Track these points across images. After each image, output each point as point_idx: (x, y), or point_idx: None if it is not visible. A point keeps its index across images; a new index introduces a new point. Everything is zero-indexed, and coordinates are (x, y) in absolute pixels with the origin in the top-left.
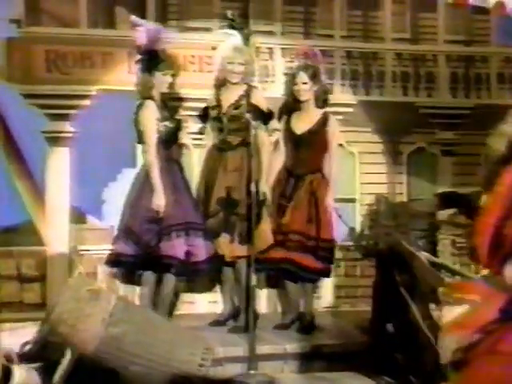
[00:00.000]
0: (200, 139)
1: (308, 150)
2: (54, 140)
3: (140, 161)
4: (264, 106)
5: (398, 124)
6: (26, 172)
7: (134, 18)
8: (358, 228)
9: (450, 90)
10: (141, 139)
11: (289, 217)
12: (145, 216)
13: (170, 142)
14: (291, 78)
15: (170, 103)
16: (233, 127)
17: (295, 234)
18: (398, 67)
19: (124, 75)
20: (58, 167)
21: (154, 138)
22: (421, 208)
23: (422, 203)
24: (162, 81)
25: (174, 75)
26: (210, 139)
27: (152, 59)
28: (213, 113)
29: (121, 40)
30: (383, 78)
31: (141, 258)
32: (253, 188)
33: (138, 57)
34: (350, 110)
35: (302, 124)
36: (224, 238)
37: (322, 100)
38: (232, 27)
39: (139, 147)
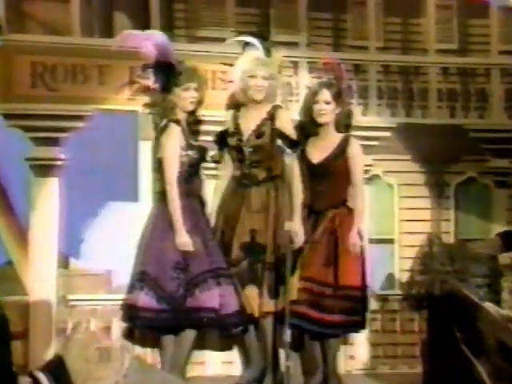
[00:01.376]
0: (214, 168)
1: (327, 180)
2: (41, 169)
3: (145, 194)
4: (291, 130)
5: (444, 150)
6: (7, 206)
7: (126, 33)
8: (396, 274)
9: (505, 109)
10: (158, 168)
11: (303, 261)
12: (168, 261)
13: (192, 174)
14: (311, 96)
15: (194, 127)
16: (256, 158)
17: (308, 280)
18: (444, 84)
19: (124, 93)
20: (45, 201)
21: (177, 169)
22: (481, 250)
23: (482, 244)
24: (184, 98)
25: (197, 89)
26: (227, 169)
27: (167, 73)
28: (231, 141)
29: (121, 51)
30: (426, 96)
31: (165, 312)
32: (287, 228)
33: (151, 72)
34: (388, 134)
35: (319, 151)
36: (250, 291)
37: (343, 124)
38: (252, 35)
39: (143, 178)
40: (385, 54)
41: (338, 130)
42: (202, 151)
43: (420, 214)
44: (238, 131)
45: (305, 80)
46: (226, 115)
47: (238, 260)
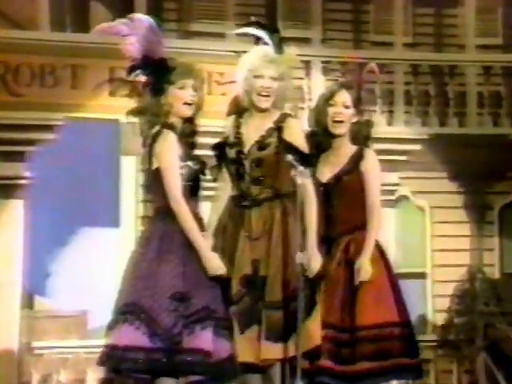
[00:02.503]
0: (211, 188)
1: (339, 201)
2: (1, 189)
3: (127, 218)
4: (302, 143)
5: (487, 166)
6: None
7: (105, 25)
8: (429, 315)
9: None
10: (151, 185)
11: (318, 301)
12: (166, 290)
13: (191, 190)
14: (327, 97)
15: (189, 139)
16: (258, 174)
17: (325, 327)
18: (486, 86)
19: (103, 98)
20: (6, 227)
21: (180, 180)
22: None
23: None
24: (181, 97)
25: (195, 87)
26: (226, 188)
27: (158, 70)
28: (230, 152)
29: (98, 48)
30: (464, 101)
31: (159, 351)
32: (298, 260)
33: (137, 72)
34: (417, 147)
35: (329, 168)
36: (253, 334)
37: (362, 136)
38: (259, 27)
39: (126, 199)
40: (414, 51)
41: (355, 142)
42: (202, 163)
43: (457, 243)
44: (238, 141)
45: (318, 83)
46: (226, 123)
47: (239, 296)
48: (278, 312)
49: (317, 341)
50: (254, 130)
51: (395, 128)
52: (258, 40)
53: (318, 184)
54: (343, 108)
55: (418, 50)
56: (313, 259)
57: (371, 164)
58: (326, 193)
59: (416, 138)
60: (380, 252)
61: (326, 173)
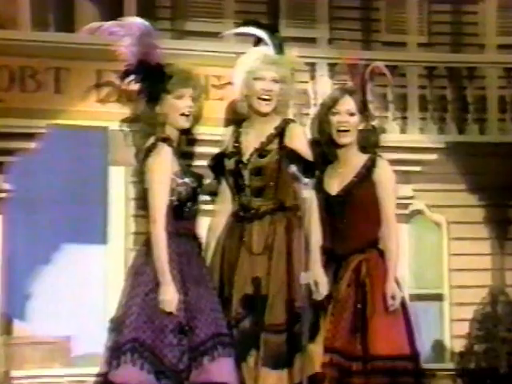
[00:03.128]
0: (210, 202)
1: (349, 216)
2: None
3: (116, 234)
4: (305, 150)
5: (509, 178)
6: None
7: (96, 25)
8: (446, 341)
9: None
10: (144, 201)
11: (326, 325)
12: (167, 323)
13: (188, 208)
14: (330, 105)
15: (186, 149)
16: (258, 184)
17: (333, 352)
18: (508, 90)
19: (90, 104)
20: None
21: (166, 201)
22: None
23: None
24: (177, 108)
25: (194, 98)
26: (225, 203)
27: (154, 77)
28: (229, 163)
29: (85, 49)
30: (484, 106)
31: None
32: (304, 280)
33: (131, 78)
34: (434, 156)
35: (338, 180)
36: (250, 358)
37: (370, 143)
38: (258, 27)
39: (114, 213)
40: (429, 51)
41: (364, 150)
42: (200, 179)
43: (477, 262)
44: (237, 150)
45: (325, 87)
46: (224, 133)
47: (239, 318)
48: (280, 336)
49: (317, 367)
50: (253, 137)
51: (409, 136)
52: (258, 41)
53: (326, 197)
54: (348, 116)
55: (433, 51)
56: (320, 281)
57: (385, 173)
58: (335, 207)
59: (432, 146)
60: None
61: (334, 185)
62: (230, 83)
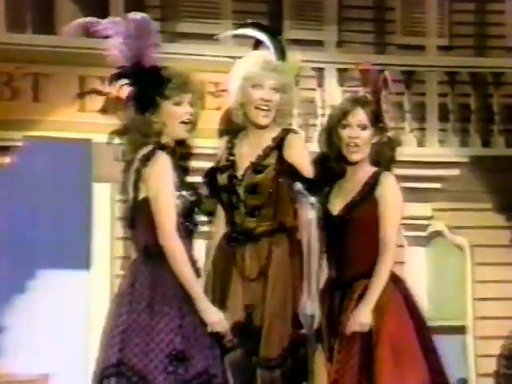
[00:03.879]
0: (207, 223)
1: (352, 238)
2: None
3: (100, 258)
4: (305, 164)
5: None
6: None
7: (81, 22)
8: (472, 380)
9: None
10: (138, 219)
11: (332, 362)
12: (162, 348)
13: (185, 225)
14: (339, 117)
15: (181, 163)
16: (254, 203)
17: None
18: None
19: (72, 113)
20: None
21: (174, 213)
22: None
23: None
24: (177, 115)
25: (193, 103)
26: (221, 223)
27: (149, 82)
28: (222, 178)
29: (66, 53)
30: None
31: None
32: (309, 311)
33: (122, 83)
34: (456, 172)
35: (342, 198)
36: None
37: (385, 159)
38: (258, 28)
39: (98, 235)
40: (450, 55)
41: (377, 165)
42: (199, 194)
43: (504, 290)
44: (230, 164)
45: (334, 95)
46: (218, 145)
47: (230, 348)
48: (274, 372)
49: None
50: (249, 150)
51: (428, 149)
52: (257, 44)
53: (328, 218)
54: (359, 130)
55: (455, 55)
56: (311, 317)
57: (389, 190)
58: (337, 228)
59: (453, 161)
60: (405, 296)
61: (338, 204)
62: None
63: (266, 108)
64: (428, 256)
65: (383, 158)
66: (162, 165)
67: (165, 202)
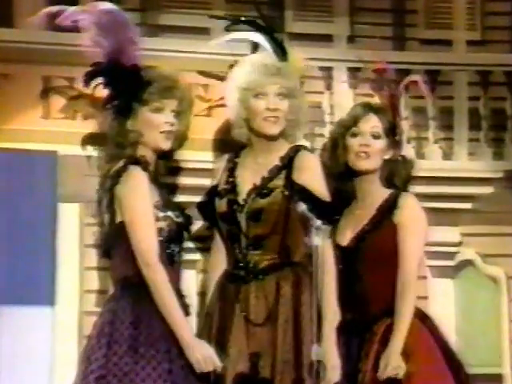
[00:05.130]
0: (198, 250)
1: (367, 271)
2: None
3: (67, 293)
4: (320, 187)
5: None
6: None
7: (51, 10)
8: None
9: None
10: (115, 246)
11: None
12: None
13: (172, 251)
14: (349, 123)
15: (166, 180)
16: (259, 232)
17: None
18: None
19: (34, 120)
20: None
21: (156, 235)
22: None
23: None
24: (155, 124)
25: (178, 112)
26: (217, 257)
27: (127, 83)
28: (221, 204)
29: (28, 49)
30: None
31: None
32: (317, 355)
33: (97, 83)
34: (488, 190)
35: (352, 225)
36: None
37: (400, 178)
38: (252, 27)
39: (65, 265)
40: (483, 52)
41: (391, 185)
42: (187, 215)
43: None
44: (231, 187)
45: (344, 99)
46: (216, 164)
47: None
48: None
49: None
50: (252, 170)
51: (455, 163)
52: (255, 46)
53: (339, 248)
54: (371, 138)
55: (488, 51)
56: (330, 365)
57: (409, 213)
58: (349, 261)
59: (486, 176)
60: (435, 336)
61: (348, 232)
62: (220, 95)
63: (274, 118)
64: (456, 289)
65: (398, 177)
66: (135, 182)
67: (142, 225)
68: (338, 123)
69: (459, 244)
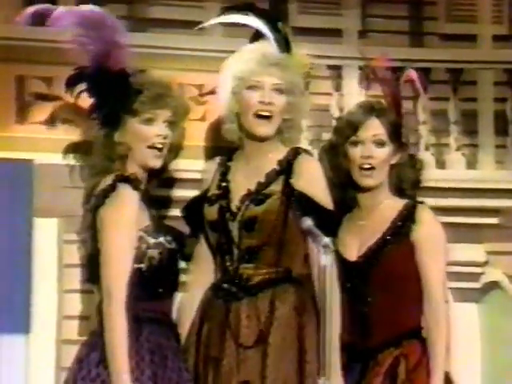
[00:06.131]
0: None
1: (377, 292)
2: None
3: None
4: (322, 194)
5: None
6: None
7: (37, 9)
8: None
9: None
10: (96, 271)
11: None
12: None
13: (164, 280)
14: (347, 133)
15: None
16: (253, 243)
17: None
18: None
19: (8, 126)
20: None
21: (128, 267)
22: None
23: None
24: (146, 137)
25: (171, 123)
26: (203, 271)
27: (114, 90)
28: (210, 212)
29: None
30: None
31: None
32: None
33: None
34: None
35: (358, 238)
36: None
37: (410, 182)
38: (253, 13)
39: (41, 288)
40: (509, 47)
41: (399, 193)
42: (182, 238)
43: None
44: (222, 193)
45: (354, 100)
46: (206, 167)
47: None
48: None
49: None
50: (246, 174)
51: (481, 172)
52: (257, 36)
53: (343, 265)
54: (374, 146)
55: None
56: None
57: (428, 228)
58: (356, 280)
59: None
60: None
61: (354, 247)
62: (213, 92)
63: (267, 113)
64: (482, 315)
65: (406, 182)
66: (122, 205)
67: (112, 259)
68: (336, 129)
69: (484, 264)
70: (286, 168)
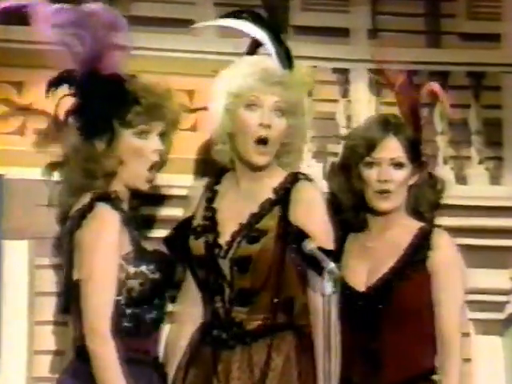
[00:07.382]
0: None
1: (388, 327)
2: None
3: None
4: (323, 229)
5: None
6: None
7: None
8: None
9: None
10: (73, 304)
11: None
12: None
13: (149, 315)
14: (361, 153)
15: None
16: (246, 285)
17: None
18: None
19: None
20: None
21: (112, 297)
22: None
23: None
24: (141, 152)
25: (164, 134)
26: (191, 312)
27: (106, 97)
28: (197, 246)
29: None
30: None
31: None
32: None
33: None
34: None
35: (367, 265)
36: None
37: (429, 204)
38: (252, 21)
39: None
40: None
41: (415, 214)
42: (169, 266)
43: None
44: (210, 225)
45: (364, 109)
46: (191, 191)
47: None
48: None
49: None
50: (236, 200)
51: (505, 188)
52: (256, 44)
53: (348, 295)
54: (392, 168)
55: None
56: None
57: (445, 257)
58: (363, 312)
59: None
60: None
61: (362, 273)
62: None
63: (265, 138)
64: (506, 349)
65: (424, 203)
66: (101, 226)
67: (99, 289)
68: (349, 147)
69: (510, 292)
70: (283, 197)
